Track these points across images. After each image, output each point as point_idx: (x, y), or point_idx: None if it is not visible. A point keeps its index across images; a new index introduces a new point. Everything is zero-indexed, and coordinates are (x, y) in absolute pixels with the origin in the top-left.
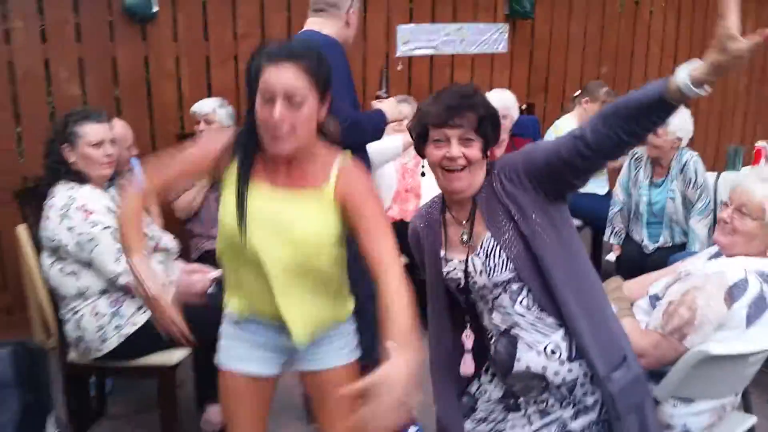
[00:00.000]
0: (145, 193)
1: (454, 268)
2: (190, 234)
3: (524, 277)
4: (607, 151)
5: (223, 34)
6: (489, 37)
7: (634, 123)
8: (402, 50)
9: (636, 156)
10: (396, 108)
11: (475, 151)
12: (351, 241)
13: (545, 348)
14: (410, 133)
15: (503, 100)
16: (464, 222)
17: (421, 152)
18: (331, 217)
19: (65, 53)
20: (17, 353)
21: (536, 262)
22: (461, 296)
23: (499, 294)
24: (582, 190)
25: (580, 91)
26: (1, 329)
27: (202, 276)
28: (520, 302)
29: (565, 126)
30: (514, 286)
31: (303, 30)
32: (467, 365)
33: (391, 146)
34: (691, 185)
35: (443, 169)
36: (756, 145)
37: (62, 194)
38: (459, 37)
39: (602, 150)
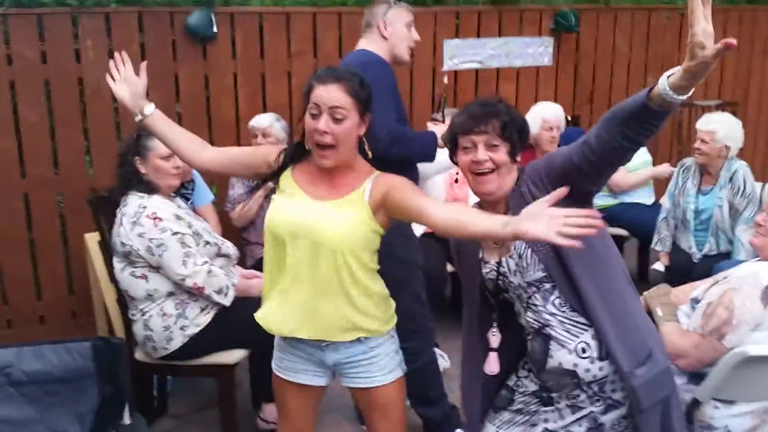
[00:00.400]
0: (208, 149)
1: (491, 270)
2: (246, 242)
3: (554, 277)
4: (610, 156)
5: (277, 52)
6: (534, 51)
7: (628, 128)
8: (448, 64)
9: (685, 165)
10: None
11: (501, 155)
12: (388, 253)
13: (576, 346)
14: (444, 144)
15: (556, 112)
16: None
17: (453, 160)
18: (365, 221)
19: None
20: (97, 347)
21: (563, 261)
22: (496, 297)
23: (533, 293)
24: (628, 200)
25: None
26: (67, 332)
27: (259, 281)
28: (552, 302)
29: None
30: (547, 286)
31: (353, 50)
32: (491, 364)
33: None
34: (740, 194)
35: (473, 173)
36: None
37: (134, 203)
38: (504, 51)
39: (605, 154)
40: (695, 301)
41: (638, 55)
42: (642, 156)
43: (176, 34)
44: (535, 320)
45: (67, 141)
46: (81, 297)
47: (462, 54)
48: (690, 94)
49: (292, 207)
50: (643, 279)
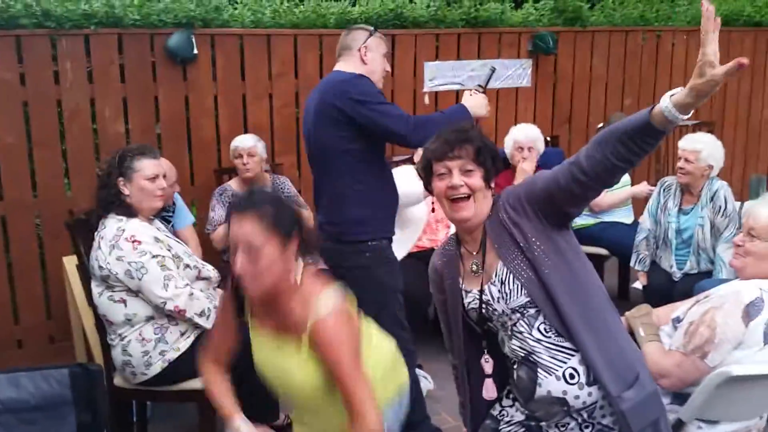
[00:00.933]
0: (212, 363)
1: (474, 299)
2: (227, 264)
3: (537, 302)
4: (601, 176)
5: (258, 73)
6: (513, 73)
7: (624, 147)
8: (429, 85)
9: (666, 184)
10: (481, 104)
11: (476, 179)
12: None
13: (564, 373)
14: (418, 173)
15: (528, 134)
16: (475, 253)
17: (428, 188)
18: (312, 366)
19: (110, 92)
20: (75, 374)
21: (545, 286)
22: (481, 326)
23: (518, 320)
24: (608, 220)
25: (603, 123)
26: (45, 356)
27: None
28: (537, 327)
29: None
30: (531, 311)
31: (333, 72)
32: (489, 390)
33: (415, 190)
34: (721, 213)
35: (449, 199)
36: None
37: (112, 226)
38: (483, 72)
39: (596, 175)
40: (677, 320)
41: (615, 76)
42: None
43: (156, 55)
44: (520, 348)
45: (45, 163)
46: (59, 321)
47: (442, 75)
48: (691, 114)
49: (259, 350)
50: (623, 298)
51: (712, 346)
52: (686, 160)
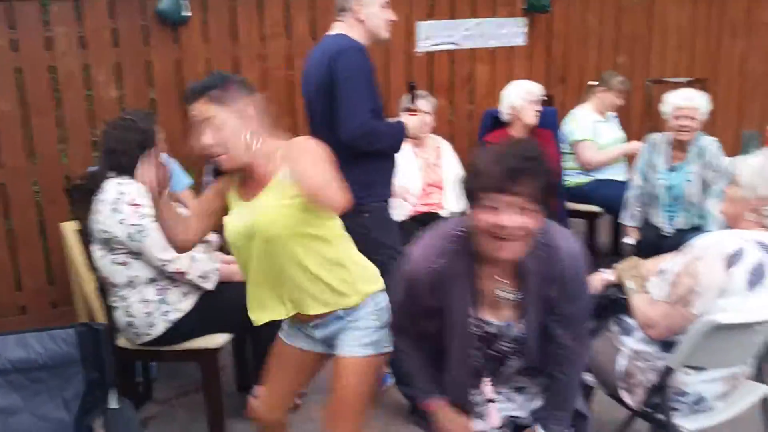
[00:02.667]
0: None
1: (498, 330)
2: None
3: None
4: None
5: (250, 35)
6: (508, 31)
7: None
8: (422, 46)
9: (653, 141)
10: (419, 126)
11: (533, 220)
12: (366, 238)
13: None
14: (463, 189)
15: (537, 87)
16: (504, 279)
17: (467, 211)
18: (288, 201)
19: (103, 58)
20: (81, 333)
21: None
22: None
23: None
24: (601, 177)
25: (596, 81)
26: (48, 321)
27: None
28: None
29: (580, 115)
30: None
31: (330, 33)
32: (493, 417)
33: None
34: (711, 168)
35: (492, 235)
36: None
37: (112, 190)
38: (478, 31)
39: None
40: (663, 272)
41: (609, 34)
42: (614, 132)
43: (147, 19)
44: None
45: (41, 130)
46: (61, 286)
47: (436, 35)
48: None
49: (234, 217)
50: (615, 254)
51: (695, 295)
52: (689, 117)
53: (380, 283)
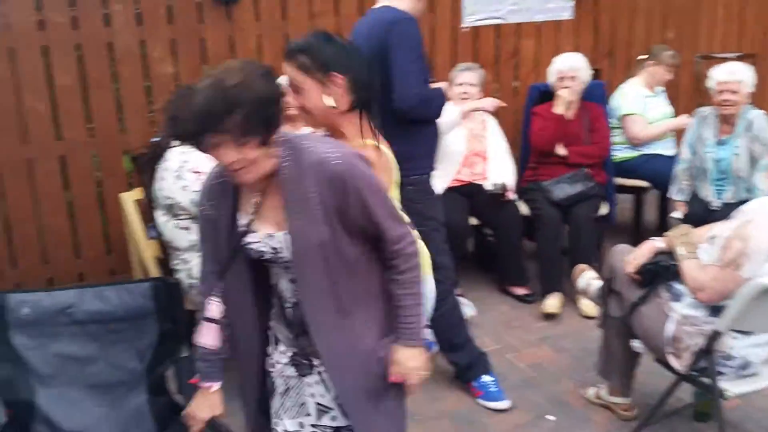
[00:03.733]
0: None
1: (259, 241)
2: None
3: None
4: None
5: (299, 13)
6: (555, 5)
7: None
8: (468, 21)
9: (702, 115)
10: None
11: (251, 151)
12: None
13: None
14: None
15: (570, 63)
16: (257, 193)
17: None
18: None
19: (159, 34)
20: (157, 287)
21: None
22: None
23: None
24: (649, 152)
25: (645, 55)
26: None
27: None
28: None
29: (629, 89)
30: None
31: (376, 6)
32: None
33: (452, 119)
34: (757, 142)
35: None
36: None
37: (175, 158)
38: (525, 5)
39: None
40: (714, 238)
41: (658, 7)
42: (662, 108)
43: None
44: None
45: (99, 103)
46: (119, 255)
47: (482, 10)
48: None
49: None
50: (663, 229)
51: (745, 258)
52: (732, 91)
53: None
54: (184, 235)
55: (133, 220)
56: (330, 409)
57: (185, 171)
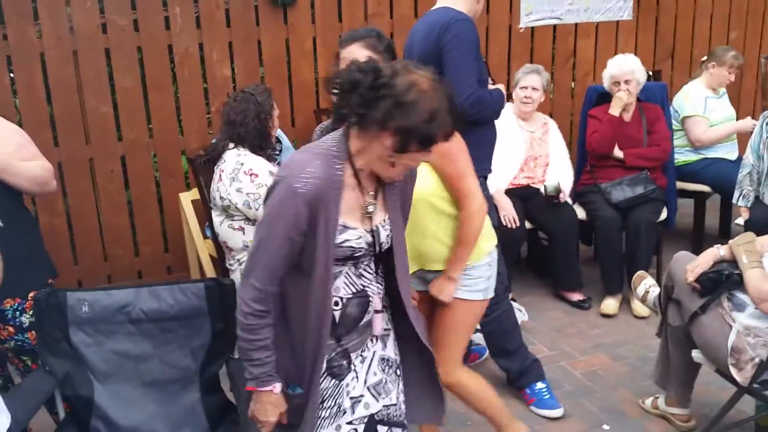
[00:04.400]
0: None
1: (359, 237)
2: None
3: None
4: None
5: (354, 15)
6: (613, 5)
7: None
8: (525, 21)
9: (767, 118)
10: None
11: None
12: None
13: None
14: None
15: (622, 66)
16: (371, 192)
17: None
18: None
19: (217, 37)
20: (210, 288)
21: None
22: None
23: (369, 260)
24: (711, 156)
25: (707, 56)
26: None
27: None
28: (369, 265)
29: (691, 90)
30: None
31: (434, 7)
32: (379, 323)
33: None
34: None
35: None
36: None
37: (231, 160)
38: (583, 5)
39: None
40: None
41: (721, 7)
42: (725, 110)
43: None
44: (359, 284)
45: (159, 105)
46: (176, 253)
47: (539, 9)
48: None
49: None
50: (724, 235)
51: None
52: None
53: (495, 239)
54: (238, 235)
55: (191, 220)
56: (362, 396)
57: (241, 173)
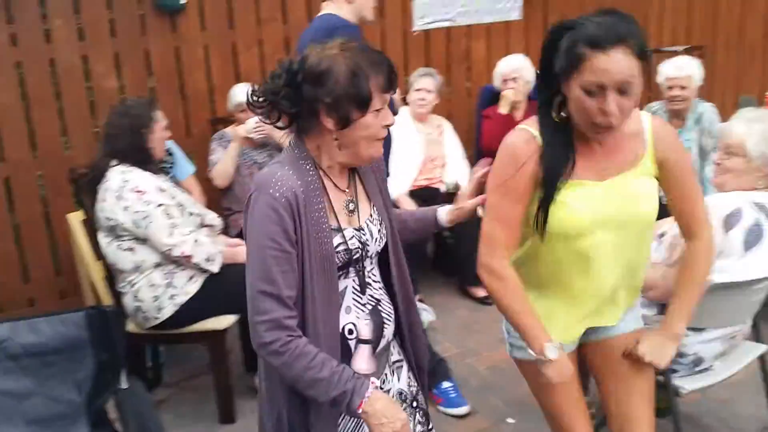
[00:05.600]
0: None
1: (352, 237)
2: (229, 212)
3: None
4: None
5: (247, 21)
6: (503, 6)
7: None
8: (419, 24)
9: (653, 110)
10: None
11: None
12: None
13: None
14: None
15: (510, 64)
16: (346, 189)
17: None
18: (653, 184)
19: (102, 48)
20: (91, 316)
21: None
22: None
23: (373, 266)
24: None
25: None
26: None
27: (244, 249)
28: (373, 272)
29: None
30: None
31: (320, 14)
32: (366, 360)
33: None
34: (707, 135)
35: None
36: (767, 94)
37: (116, 178)
38: (473, 7)
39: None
40: (661, 236)
41: (605, 3)
42: None
43: (145, 8)
44: (371, 297)
45: (43, 122)
46: (68, 277)
47: (432, 12)
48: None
49: (581, 200)
50: None
51: None
52: (681, 87)
53: None
54: (127, 256)
55: (81, 241)
56: None
57: (126, 191)
